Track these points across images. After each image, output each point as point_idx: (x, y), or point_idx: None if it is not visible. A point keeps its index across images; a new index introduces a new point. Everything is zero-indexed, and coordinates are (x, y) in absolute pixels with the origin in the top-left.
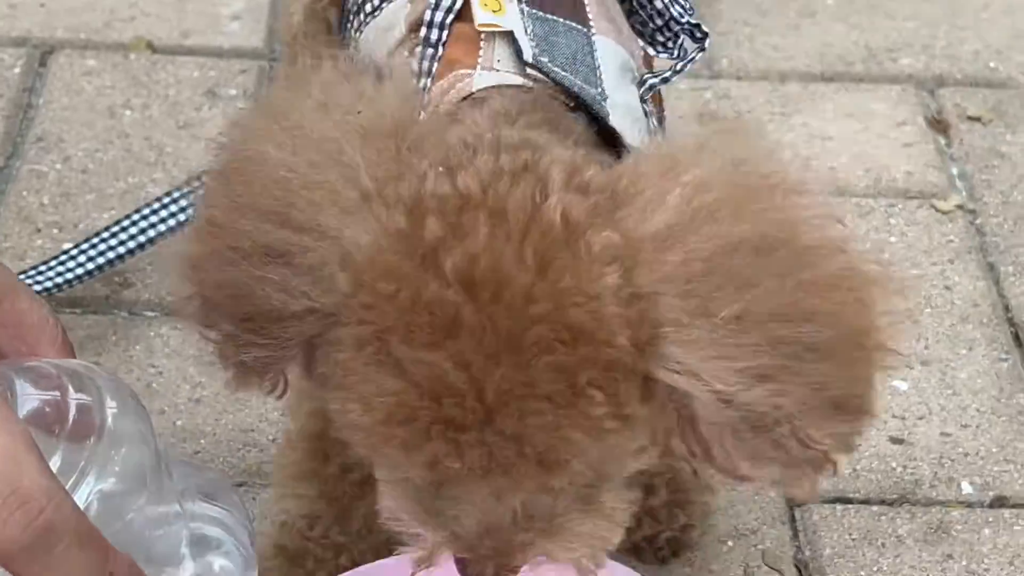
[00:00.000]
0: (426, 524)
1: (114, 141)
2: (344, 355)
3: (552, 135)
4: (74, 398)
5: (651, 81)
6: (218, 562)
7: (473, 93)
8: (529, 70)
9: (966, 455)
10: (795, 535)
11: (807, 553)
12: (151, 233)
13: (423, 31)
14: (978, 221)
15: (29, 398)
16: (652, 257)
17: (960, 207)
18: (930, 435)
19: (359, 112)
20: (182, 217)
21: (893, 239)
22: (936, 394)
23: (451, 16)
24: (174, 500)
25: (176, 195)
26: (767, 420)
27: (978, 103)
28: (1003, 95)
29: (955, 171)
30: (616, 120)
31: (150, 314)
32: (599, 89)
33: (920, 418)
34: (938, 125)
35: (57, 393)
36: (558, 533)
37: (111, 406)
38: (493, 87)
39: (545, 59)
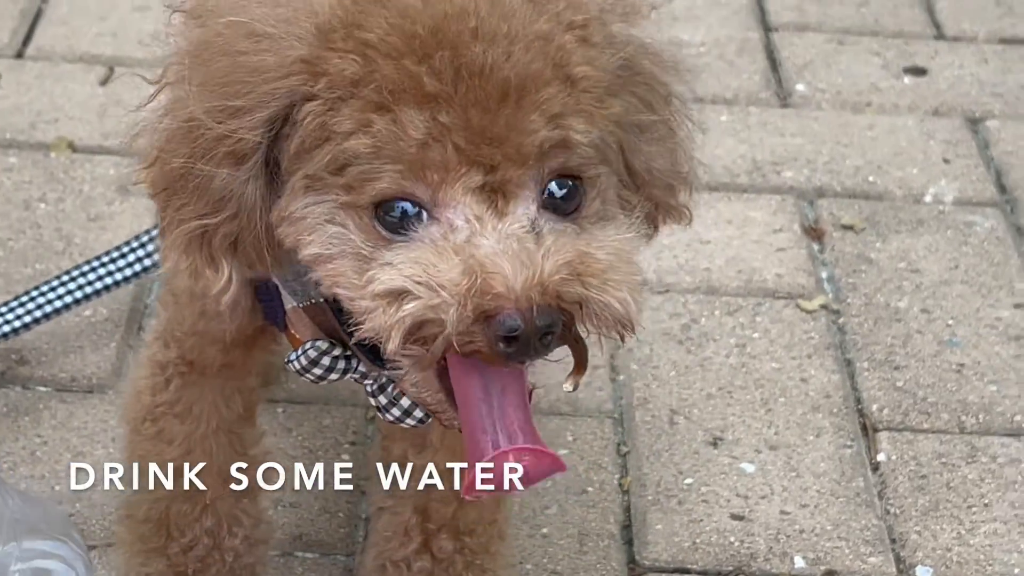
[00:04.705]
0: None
1: (26, 231)
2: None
3: None
4: None
5: None
6: None
7: None
8: None
9: (801, 532)
10: None
11: None
12: (57, 304)
13: None
14: (840, 320)
15: None
16: None
17: (824, 307)
18: (770, 513)
19: None
20: (88, 290)
21: (756, 335)
22: (780, 476)
23: None
24: (10, 538)
25: (85, 267)
26: None
27: (853, 213)
28: (878, 206)
29: (824, 274)
30: None
31: (42, 389)
32: None
33: (763, 497)
34: (813, 232)
35: None
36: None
37: None
38: None
39: None
